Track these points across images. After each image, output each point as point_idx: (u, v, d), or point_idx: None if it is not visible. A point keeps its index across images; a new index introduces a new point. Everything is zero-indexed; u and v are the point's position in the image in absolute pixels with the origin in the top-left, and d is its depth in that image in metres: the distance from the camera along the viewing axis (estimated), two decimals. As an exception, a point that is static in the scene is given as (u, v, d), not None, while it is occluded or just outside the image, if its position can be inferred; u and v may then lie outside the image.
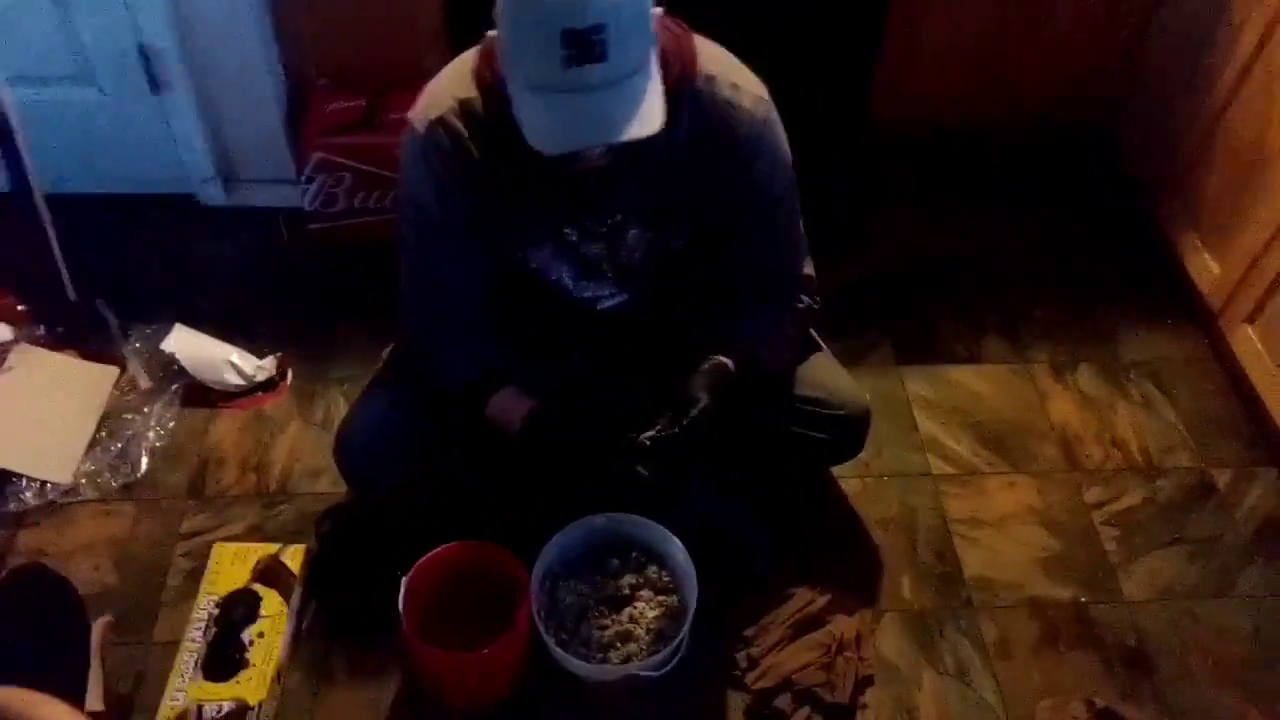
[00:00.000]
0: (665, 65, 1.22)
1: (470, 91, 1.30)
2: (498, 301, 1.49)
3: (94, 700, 1.44)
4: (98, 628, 1.51)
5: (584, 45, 1.07)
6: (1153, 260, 2.25)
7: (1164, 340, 2.13)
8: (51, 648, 1.30)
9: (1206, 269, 2.08)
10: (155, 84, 2.07)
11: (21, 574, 1.41)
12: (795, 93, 1.43)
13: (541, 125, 1.15)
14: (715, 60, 1.34)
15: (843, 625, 1.61)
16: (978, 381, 2.03)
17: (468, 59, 1.31)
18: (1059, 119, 2.45)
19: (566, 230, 1.42)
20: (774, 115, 1.38)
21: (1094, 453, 1.92)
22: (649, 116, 1.15)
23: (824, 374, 1.60)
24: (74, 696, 1.34)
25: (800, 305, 1.51)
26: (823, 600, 1.64)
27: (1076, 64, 2.34)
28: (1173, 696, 1.59)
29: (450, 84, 1.33)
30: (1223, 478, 1.89)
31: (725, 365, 1.42)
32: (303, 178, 2.09)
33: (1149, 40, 2.29)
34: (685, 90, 1.30)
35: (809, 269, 1.51)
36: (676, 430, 1.35)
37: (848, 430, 1.60)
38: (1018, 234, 2.33)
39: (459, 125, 1.31)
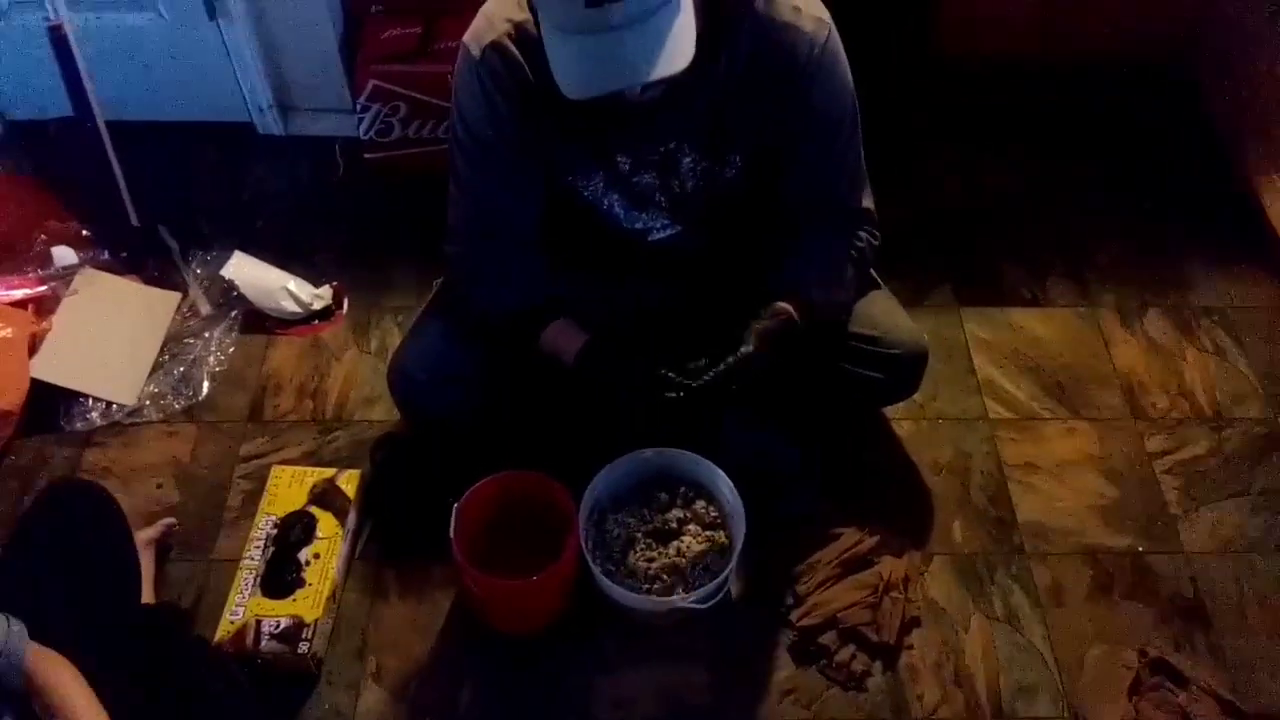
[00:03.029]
0: None
1: (524, 14, 1.27)
2: (548, 233, 1.48)
3: (147, 593, 1.51)
4: (155, 526, 1.59)
5: None
6: (1229, 202, 2.16)
7: (1239, 286, 2.05)
8: (95, 554, 1.35)
9: (1289, 213, 2.00)
10: (211, 10, 2.07)
11: (59, 487, 1.46)
12: (857, 21, 1.38)
13: (567, 69, 1.14)
14: None
15: (890, 566, 1.61)
16: (1040, 325, 1.98)
17: None
18: (1133, 51, 2.34)
19: (619, 159, 1.39)
20: (835, 38, 1.33)
21: (1159, 401, 1.86)
22: (677, 53, 1.12)
23: (881, 312, 1.57)
24: (124, 598, 1.39)
25: (859, 243, 1.47)
26: (871, 541, 1.63)
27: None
28: (1228, 649, 1.56)
29: (504, 6, 1.30)
30: (1293, 430, 1.83)
31: (789, 314, 1.39)
32: (358, 106, 2.08)
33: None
34: (744, 12, 1.26)
35: (869, 202, 1.47)
36: (715, 374, 1.34)
37: (903, 370, 1.58)
38: (1087, 172, 2.25)
39: (514, 49, 1.29)
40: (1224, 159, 2.22)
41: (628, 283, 1.57)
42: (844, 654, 1.54)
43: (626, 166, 1.40)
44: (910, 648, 1.56)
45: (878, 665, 1.54)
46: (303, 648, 1.48)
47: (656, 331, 1.49)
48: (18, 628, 1.14)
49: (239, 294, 1.95)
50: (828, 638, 1.55)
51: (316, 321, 1.97)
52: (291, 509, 1.61)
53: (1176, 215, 2.17)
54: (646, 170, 1.41)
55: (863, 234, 1.47)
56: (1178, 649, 1.56)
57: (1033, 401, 1.86)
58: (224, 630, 1.49)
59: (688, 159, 1.40)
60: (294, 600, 1.52)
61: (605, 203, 1.45)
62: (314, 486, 1.64)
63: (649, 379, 1.36)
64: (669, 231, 1.50)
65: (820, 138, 1.39)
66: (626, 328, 1.49)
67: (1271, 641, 1.57)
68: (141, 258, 2.01)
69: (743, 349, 1.36)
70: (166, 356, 1.90)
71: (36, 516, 1.38)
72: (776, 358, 1.39)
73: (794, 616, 1.57)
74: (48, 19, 1.77)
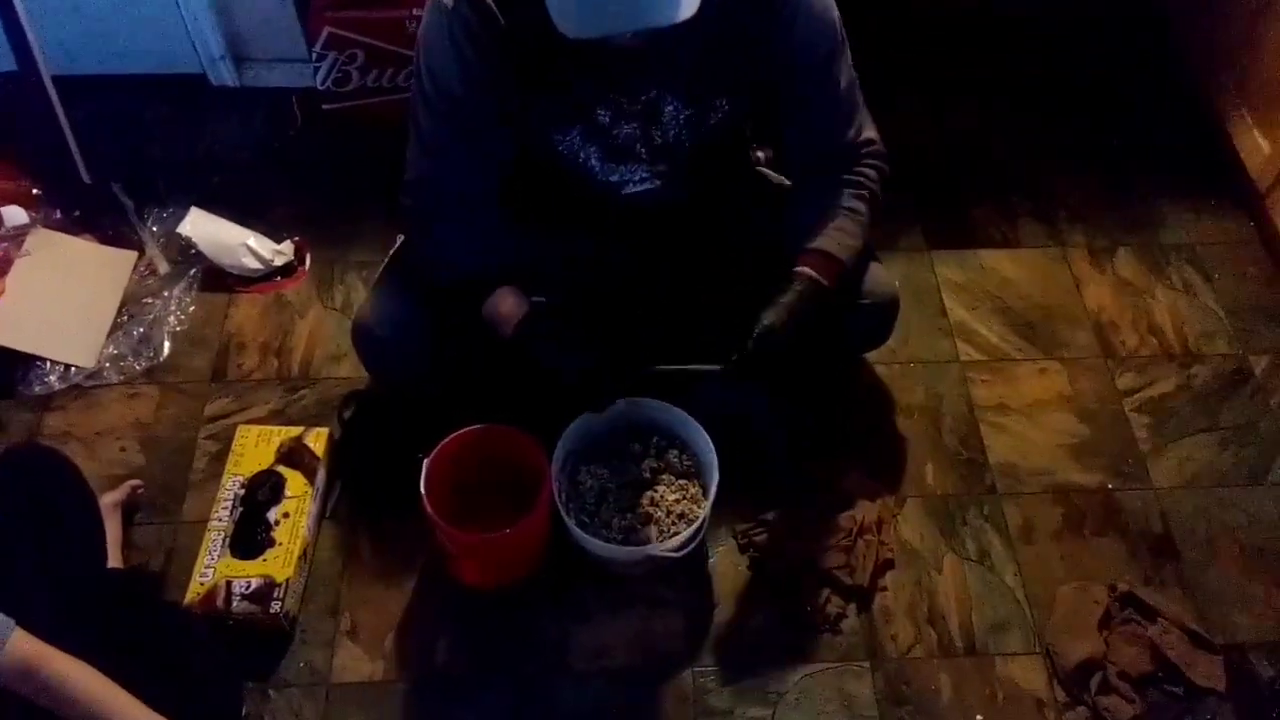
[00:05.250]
0: None
1: (497, -42, 1.22)
2: (513, 186, 1.43)
3: (114, 558, 1.49)
4: (120, 489, 1.57)
5: None
6: (1199, 139, 2.16)
7: (1208, 223, 2.05)
8: (58, 519, 1.32)
9: (1256, 148, 1.99)
10: (158, -45, 2.00)
11: (16, 452, 1.42)
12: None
13: (568, 5, 1.09)
14: None
15: (864, 509, 1.61)
16: (1011, 266, 1.97)
17: None
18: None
19: (599, 111, 1.35)
20: None
21: (1129, 339, 1.87)
22: None
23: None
24: (90, 562, 1.37)
25: (870, 182, 1.40)
26: (845, 485, 1.63)
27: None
28: (1197, 582, 1.58)
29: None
30: (1260, 365, 1.84)
31: (811, 276, 1.33)
32: (313, 55, 2.02)
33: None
34: None
35: (871, 132, 1.42)
36: (733, 362, 1.32)
37: (874, 319, 1.56)
38: (1057, 112, 2.23)
39: None
40: (1192, 96, 2.21)
41: (594, 243, 1.53)
42: (819, 598, 1.55)
43: (606, 119, 1.35)
44: (884, 589, 1.57)
45: (852, 608, 1.55)
46: (275, 607, 1.46)
47: (616, 299, 1.45)
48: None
49: (197, 251, 1.91)
50: (802, 582, 1.55)
51: (279, 278, 1.93)
52: (259, 469, 1.59)
53: (1145, 154, 2.16)
54: (628, 121, 1.36)
55: (870, 170, 1.41)
56: (1147, 583, 1.58)
57: (1004, 342, 1.86)
58: (194, 592, 1.47)
59: (670, 107, 1.36)
60: (264, 560, 1.50)
61: (582, 155, 1.40)
62: (281, 445, 1.62)
63: (593, 357, 1.33)
64: (646, 185, 1.46)
65: (810, 74, 1.34)
66: (589, 290, 1.45)
67: (1239, 573, 1.59)
68: (95, 216, 1.95)
69: (763, 324, 1.30)
70: (125, 317, 1.85)
71: (-4, 483, 1.35)
72: (799, 333, 1.32)
73: (769, 562, 1.58)
74: (-17, -33, 1.70)
